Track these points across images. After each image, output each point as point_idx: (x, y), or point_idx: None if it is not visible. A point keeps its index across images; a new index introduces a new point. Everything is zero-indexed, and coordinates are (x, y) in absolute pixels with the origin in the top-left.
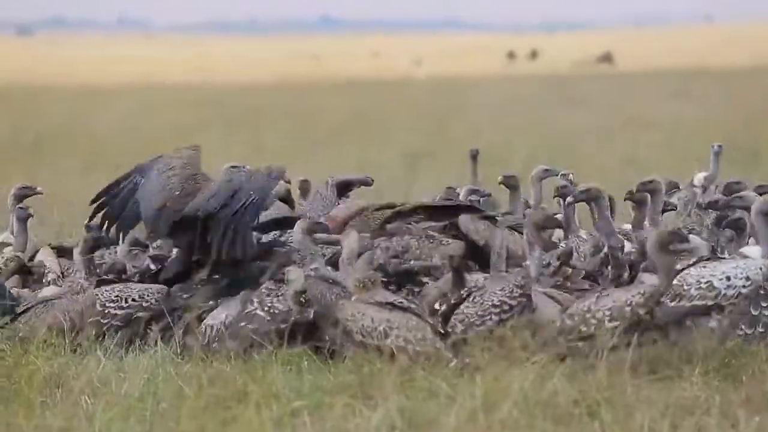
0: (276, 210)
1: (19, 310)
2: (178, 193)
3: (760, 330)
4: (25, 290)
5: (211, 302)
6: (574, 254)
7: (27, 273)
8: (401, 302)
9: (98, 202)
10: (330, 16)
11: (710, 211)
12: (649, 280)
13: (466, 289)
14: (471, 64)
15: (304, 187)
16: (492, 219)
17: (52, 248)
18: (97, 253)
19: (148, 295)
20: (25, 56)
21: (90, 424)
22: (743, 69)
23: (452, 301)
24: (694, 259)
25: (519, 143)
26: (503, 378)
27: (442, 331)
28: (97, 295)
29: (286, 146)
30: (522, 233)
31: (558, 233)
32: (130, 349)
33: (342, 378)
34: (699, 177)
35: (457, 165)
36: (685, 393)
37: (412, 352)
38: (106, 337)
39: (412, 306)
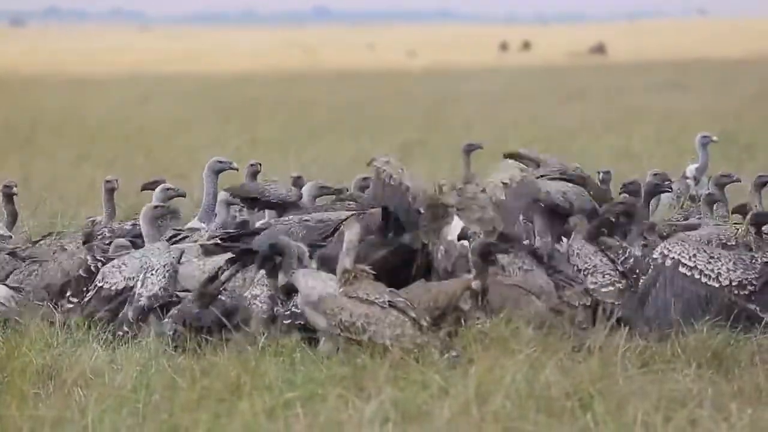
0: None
1: None
2: None
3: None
4: None
5: None
6: None
7: None
8: (381, 298)
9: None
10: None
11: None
12: None
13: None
14: (464, 55)
15: (298, 184)
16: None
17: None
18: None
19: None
20: (18, 47)
21: (83, 416)
22: (737, 61)
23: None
24: None
25: (512, 135)
26: (496, 370)
27: (424, 324)
28: None
29: (281, 137)
30: None
31: None
32: (123, 340)
33: (335, 370)
34: (690, 168)
35: (450, 156)
36: (678, 385)
37: (390, 347)
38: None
39: (397, 300)
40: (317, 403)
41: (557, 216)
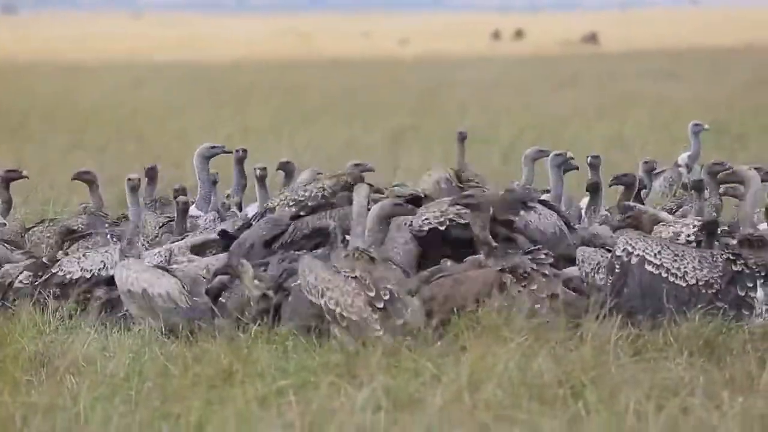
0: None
1: None
2: None
3: (745, 312)
4: None
5: None
6: None
7: None
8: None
9: None
10: None
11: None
12: None
13: None
14: (457, 43)
15: (288, 169)
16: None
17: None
18: None
19: None
20: (10, 34)
21: (75, 403)
22: (729, 50)
23: None
24: None
25: (504, 123)
26: (488, 358)
27: (379, 306)
28: None
29: (274, 123)
30: None
31: None
32: (115, 328)
33: (327, 357)
34: (683, 157)
35: (443, 143)
36: (670, 374)
37: (338, 316)
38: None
39: (364, 275)
40: (310, 391)
41: None
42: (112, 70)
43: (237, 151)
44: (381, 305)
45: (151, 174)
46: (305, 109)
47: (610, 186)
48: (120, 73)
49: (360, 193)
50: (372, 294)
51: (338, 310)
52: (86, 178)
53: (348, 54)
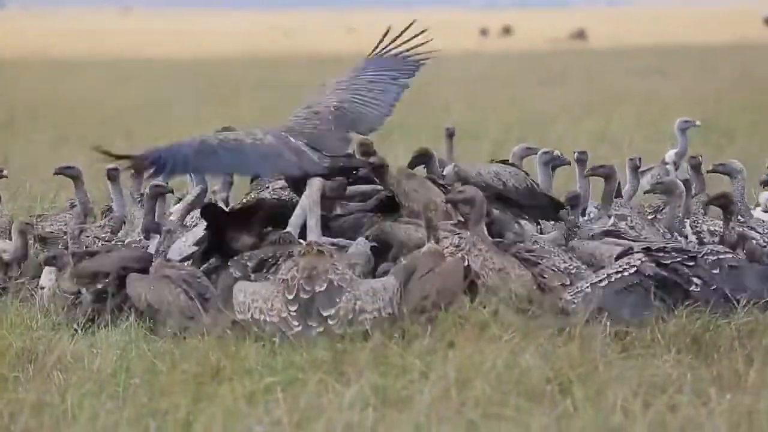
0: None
1: None
2: None
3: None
4: None
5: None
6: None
7: None
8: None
9: None
10: None
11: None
12: None
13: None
14: (445, 40)
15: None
16: None
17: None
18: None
19: None
20: None
21: (62, 399)
22: (717, 47)
23: None
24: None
25: (492, 119)
26: (476, 355)
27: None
28: None
29: (260, 118)
30: None
31: None
32: (102, 324)
33: (315, 354)
34: (670, 154)
35: (431, 140)
36: (658, 371)
37: (262, 323)
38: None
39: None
40: (297, 388)
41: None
42: (99, 66)
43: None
44: (296, 304)
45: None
46: (292, 105)
47: (585, 176)
48: (107, 69)
49: (312, 186)
50: (290, 295)
51: (262, 317)
52: (70, 173)
53: (333, 50)
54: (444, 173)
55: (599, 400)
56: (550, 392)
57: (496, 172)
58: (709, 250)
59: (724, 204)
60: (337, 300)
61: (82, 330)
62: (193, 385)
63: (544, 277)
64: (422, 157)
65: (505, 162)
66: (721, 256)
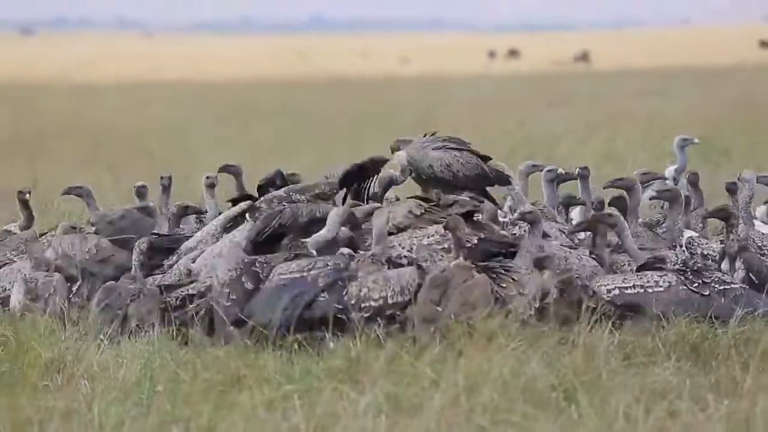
0: None
1: None
2: None
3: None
4: None
5: None
6: None
7: None
8: None
9: None
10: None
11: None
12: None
13: None
14: (454, 62)
15: (294, 180)
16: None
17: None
18: None
19: None
20: (27, 54)
21: (90, 407)
22: (717, 69)
23: None
24: None
25: (500, 139)
26: (484, 363)
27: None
28: None
29: (279, 141)
30: None
31: None
32: (128, 335)
33: (331, 363)
34: (670, 170)
35: None
36: (658, 378)
37: None
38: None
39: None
40: (314, 396)
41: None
42: (122, 90)
43: (208, 177)
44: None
45: (166, 184)
46: (307, 127)
47: (604, 188)
48: (130, 93)
49: (380, 218)
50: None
51: None
52: (77, 193)
53: (349, 73)
54: (396, 160)
55: (603, 407)
56: (556, 399)
57: (448, 164)
58: (717, 278)
59: (725, 216)
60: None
61: (108, 341)
62: (215, 393)
63: (502, 287)
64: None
65: (458, 146)
66: (727, 287)
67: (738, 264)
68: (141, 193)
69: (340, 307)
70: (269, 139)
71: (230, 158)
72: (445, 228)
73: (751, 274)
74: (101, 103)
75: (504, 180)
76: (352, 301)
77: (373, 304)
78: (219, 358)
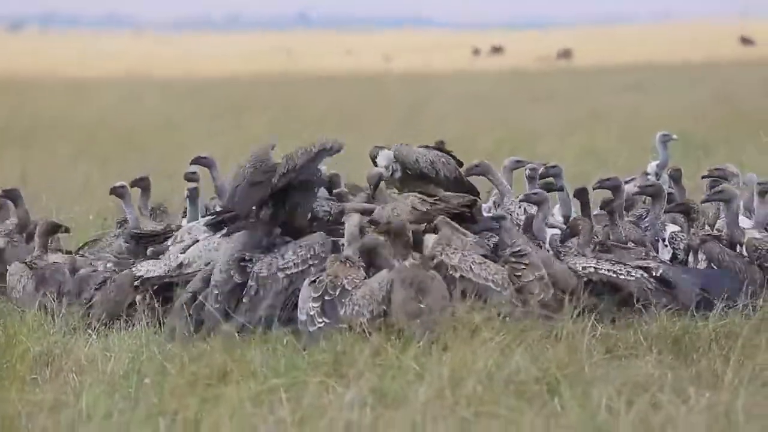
0: None
1: None
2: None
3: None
4: None
5: None
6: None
7: None
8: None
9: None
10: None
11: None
12: None
13: None
14: (438, 59)
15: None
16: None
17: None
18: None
19: None
20: (17, 50)
21: (78, 400)
22: (696, 65)
23: None
24: None
25: (483, 135)
26: (469, 356)
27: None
28: None
29: (266, 137)
30: None
31: None
32: (115, 328)
33: (316, 357)
34: (652, 165)
35: None
36: (640, 371)
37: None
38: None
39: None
40: (300, 389)
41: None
42: (112, 86)
43: (189, 190)
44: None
45: (143, 185)
46: (296, 123)
47: (594, 189)
48: (120, 89)
49: (351, 221)
50: (316, 294)
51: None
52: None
53: (334, 70)
54: (378, 159)
55: (585, 399)
56: (539, 392)
57: (432, 161)
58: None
59: (685, 210)
60: (344, 302)
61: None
62: (201, 387)
63: (517, 276)
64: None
65: (441, 149)
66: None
67: (700, 256)
68: (120, 193)
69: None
70: (261, 134)
71: (221, 153)
72: (386, 232)
73: (712, 264)
74: (92, 99)
75: (474, 192)
76: (346, 322)
77: (363, 320)
78: (206, 351)
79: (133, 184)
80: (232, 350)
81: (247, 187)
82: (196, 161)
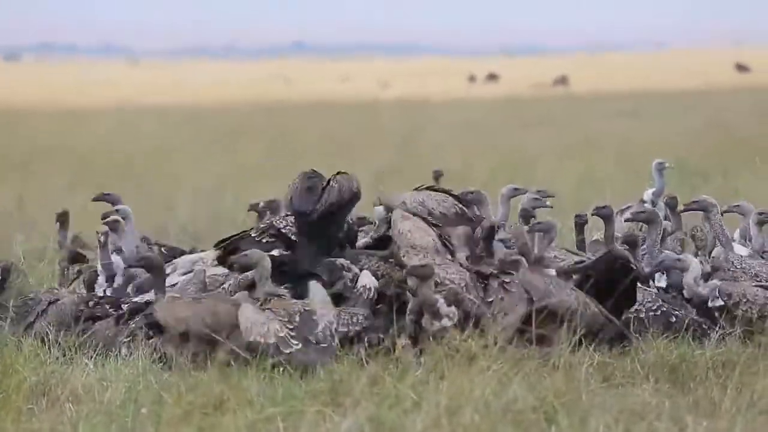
0: None
1: None
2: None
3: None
4: None
5: None
6: None
7: None
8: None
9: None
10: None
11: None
12: None
13: None
14: (434, 86)
15: (273, 207)
16: None
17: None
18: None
19: None
20: (13, 80)
21: (74, 430)
22: (692, 92)
23: None
24: None
25: (479, 162)
26: (466, 384)
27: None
28: None
29: (262, 164)
30: None
31: None
32: (111, 358)
33: (313, 386)
34: (648, 193)
35: (420, 181)
36: (637, 399)
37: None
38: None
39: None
40: (297, 418)
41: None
42: (109, 115)
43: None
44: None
45: (63, 219)
46: (291, 151)
47: (591, 215)
48: (116, 117)
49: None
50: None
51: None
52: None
53: (330, 97)
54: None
55: (583, 428)
56: (536, 420)
57: (422, 201)
58: None
59: (647, 220)
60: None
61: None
62: (198, 416)
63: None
64: None
65: (433, 188)
66: None
67: (657, 276)
68: (114, 227)
69: None
70: (256, 161)
71: (216, 181)
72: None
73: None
74: (88, 127)
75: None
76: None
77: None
78: (203, 380)
79: (57, 218)
80: (228, 378)
81: (304, 192)
82: (101, 198)
